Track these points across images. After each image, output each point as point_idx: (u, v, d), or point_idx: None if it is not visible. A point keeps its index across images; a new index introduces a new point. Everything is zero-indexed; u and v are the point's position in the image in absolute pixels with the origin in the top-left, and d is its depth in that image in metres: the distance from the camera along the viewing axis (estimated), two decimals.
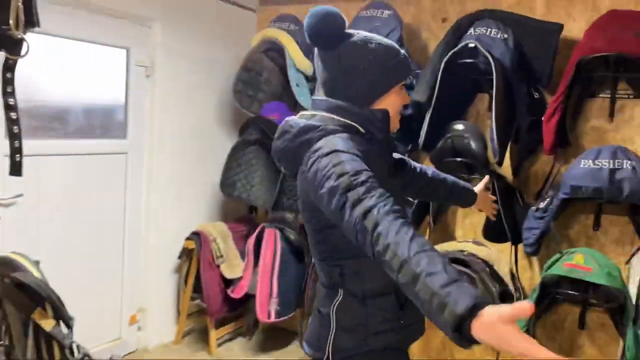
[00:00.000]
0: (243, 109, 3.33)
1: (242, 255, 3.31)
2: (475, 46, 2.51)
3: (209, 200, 3.56)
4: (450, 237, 3.06)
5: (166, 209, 3.25)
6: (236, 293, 3.18)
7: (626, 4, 2.54)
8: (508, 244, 2.75)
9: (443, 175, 1.77)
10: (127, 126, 3.04)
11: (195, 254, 3.26)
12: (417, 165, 1.71)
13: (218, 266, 3.25)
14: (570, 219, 2.72)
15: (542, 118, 2.53)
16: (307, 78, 3.13)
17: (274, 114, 3.27)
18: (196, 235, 3.25)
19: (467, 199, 1.84)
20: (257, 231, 3.23)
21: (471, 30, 2.58)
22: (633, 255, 2.52)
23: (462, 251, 2.72)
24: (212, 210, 3.60)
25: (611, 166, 2.24)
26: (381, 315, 1.32)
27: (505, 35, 2.52)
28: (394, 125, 1.39)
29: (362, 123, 1.31)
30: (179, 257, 3.36)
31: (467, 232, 3.02)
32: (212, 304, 3.20)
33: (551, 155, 2.66)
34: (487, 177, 1.97)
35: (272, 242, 3.16)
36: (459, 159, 2.62)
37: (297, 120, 1.34)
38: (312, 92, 3.08)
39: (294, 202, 3.21)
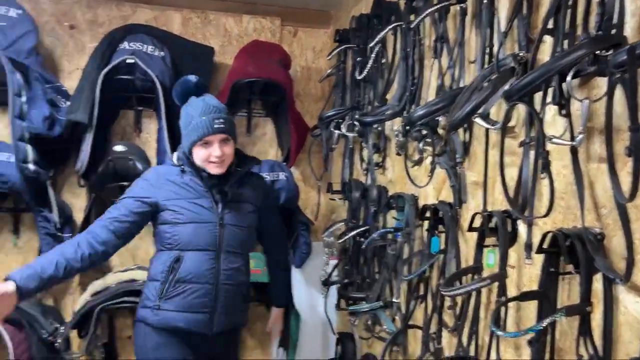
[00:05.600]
0: None
1: None
2: (134, 62, 2.35)
3: None
4: (106, 267, 2.75)
5: None
6: None
7: (251, 34, 2.90)
8: None
9: (275, 267, 2.20)
10: None
11: None
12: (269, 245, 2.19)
13: None
14: None
15: None
16: None
17: None
18: None
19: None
20: None
21: (125, 45, 2.40)
22: None
23: (134, 280, 2.53)
24: None
25: (271, 178, 2.54)
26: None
27: (162, 53, 2.46)
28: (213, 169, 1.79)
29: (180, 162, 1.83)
30: None
31: (126, 259, 2.79)
32: None
33: None
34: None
35: None
36: (126, 183, 2.40)
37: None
38: None
39: None
